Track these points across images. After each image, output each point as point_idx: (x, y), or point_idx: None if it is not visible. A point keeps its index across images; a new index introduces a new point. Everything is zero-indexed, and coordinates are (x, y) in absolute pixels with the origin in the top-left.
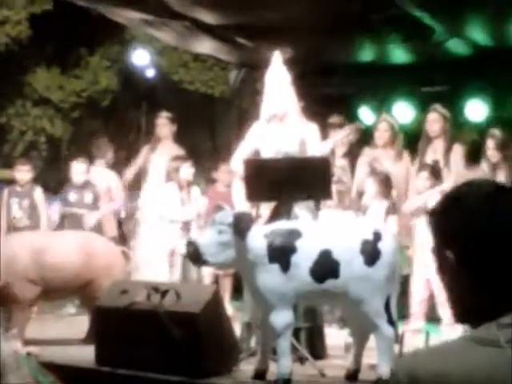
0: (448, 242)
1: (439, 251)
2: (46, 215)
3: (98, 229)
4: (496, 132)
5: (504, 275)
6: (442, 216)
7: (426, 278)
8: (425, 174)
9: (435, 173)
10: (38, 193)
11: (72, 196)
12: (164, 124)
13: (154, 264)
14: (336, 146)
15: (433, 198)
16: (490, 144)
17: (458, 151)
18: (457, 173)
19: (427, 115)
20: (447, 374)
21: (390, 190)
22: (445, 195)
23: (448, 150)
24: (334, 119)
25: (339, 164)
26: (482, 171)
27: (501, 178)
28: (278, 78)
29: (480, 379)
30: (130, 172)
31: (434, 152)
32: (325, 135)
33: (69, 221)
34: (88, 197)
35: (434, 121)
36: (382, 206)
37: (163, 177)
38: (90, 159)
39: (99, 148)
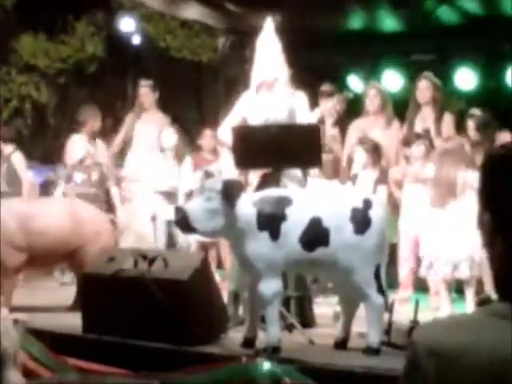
0: (486, 203)
1: (479, 211)
2: (28, 181)
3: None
4: (476, 112)
5: None
6: (484, 175)
7: (414, 243)
8: (419, 143)
9: (428, 141)
10: (17, 158)
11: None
12: (146, 93)
13: (138, 230)
14: (324, 115)
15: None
16: (470, 124)
17: (449, 121)
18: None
19: (417, 83)
20: (467, 347)
21: (379, 158)
22: (490, 155)
23: (439, 119)
24: (326, 87)
25: (329, 133)
26: (457, 143)
27: (480, 157)
28: (268, 45)
29: (501, 354)
30: (116, 143)
31: (424, 121)
32: (313, 104)
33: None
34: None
35: (425, 88)
36: (372, 176)
37: (147, 145)
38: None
39: (83, 115)
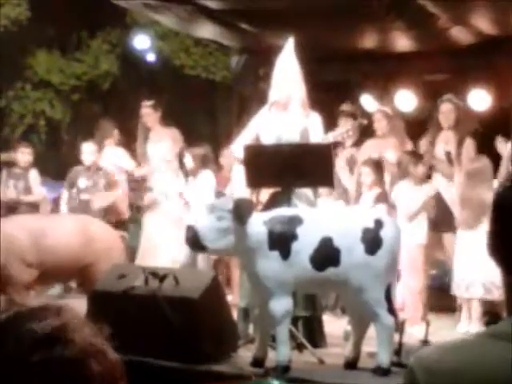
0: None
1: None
2: (40, 197)
3: (109, 212)
4: None
5: None
6: (496, 212)
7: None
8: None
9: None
10: (34, 175)
11: (83, 182)
12: (147, 113)
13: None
14: (336, 140)
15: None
16: None
17: (470, 145)
18: (465, 165)
19: (440, 106)
20: (464, 369)
21: (382, 176)
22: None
23: (461, 143)
24: (346, 107)
25: (348, 154)
26: (484, 163)
27: None
28: (286, 65)
29: (497, 374)
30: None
31: (446, 143)
32: (325, 123)
33: (80, 207)
34: (101, 183)
35: (449, 112)
36: (373, 194)
37: (160, 163)
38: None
39: (105, 128)
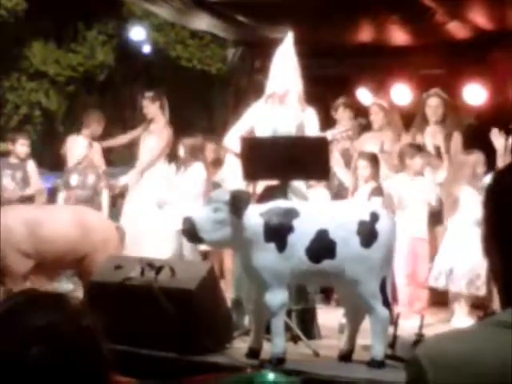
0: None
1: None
2: (39, 188)
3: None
4: None
5: None
6: (489, 193)
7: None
8: (422, 155)
9: (437, 158)
10: (31, 165)
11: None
12: (146, 105)
13: (159, 242)
14: (334, 138)
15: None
16: None
17: (458, 140)
18: (454, 158)
19: (427, 100)
20: (473, 359)
21: (378, 170)
22: (497, 174)
23: (449, 137)
24: (343, 99)
25: (343, 147)
26: (477, 156)
27: None
28: (285, 59)
29: (500, 362)
30: (113, 142)
31: (433, 137)
32: (322, 117)
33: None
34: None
35: (436, 106)
36: (369, 187)
37: (151, 155)
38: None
39: (87, 118)
